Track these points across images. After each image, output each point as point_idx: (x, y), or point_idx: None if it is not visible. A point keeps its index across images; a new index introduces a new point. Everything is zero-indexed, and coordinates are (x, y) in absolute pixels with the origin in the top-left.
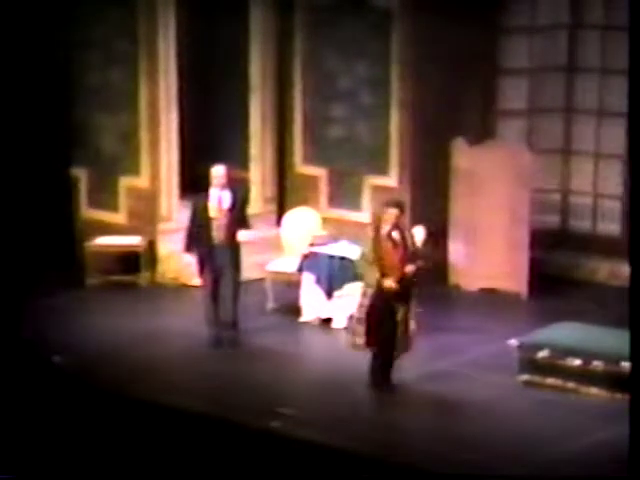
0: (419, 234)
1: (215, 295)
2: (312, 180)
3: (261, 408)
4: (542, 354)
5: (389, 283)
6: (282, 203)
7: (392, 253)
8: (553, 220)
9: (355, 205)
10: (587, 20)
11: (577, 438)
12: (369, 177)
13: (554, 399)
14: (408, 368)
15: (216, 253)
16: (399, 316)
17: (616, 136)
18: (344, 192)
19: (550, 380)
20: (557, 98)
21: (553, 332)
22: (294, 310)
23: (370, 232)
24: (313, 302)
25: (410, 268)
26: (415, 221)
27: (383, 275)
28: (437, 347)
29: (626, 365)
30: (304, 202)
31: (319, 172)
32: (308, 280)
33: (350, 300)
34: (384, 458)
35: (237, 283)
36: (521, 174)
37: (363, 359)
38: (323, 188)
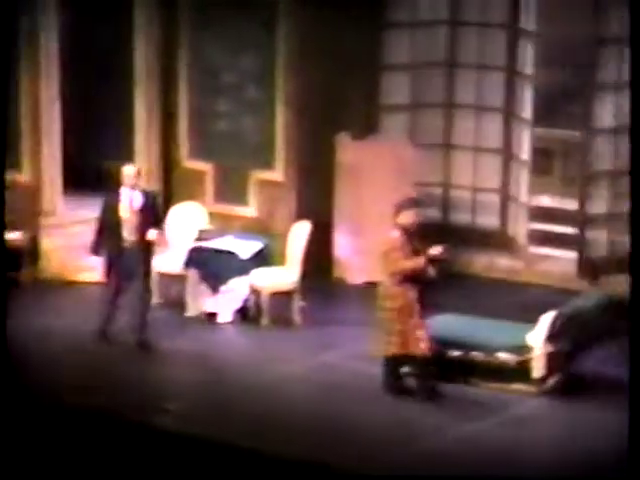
0: (304, 229)
1: (117, 297)
2: (198, 175)
3: (147, 404)
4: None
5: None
6: (168, 198)
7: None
8: (435, 214)
9: (241, 200)
10: (465, 17)
11: (453, 427)
12: (255, 172)
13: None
14: (292, 360)
15: (126, 254)
16: None
17: (494, 131)
18: (230, 187)
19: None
20: (438, 93)
21: (433, 324)
22: (179, 305)
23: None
24: (198, 297)
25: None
26: (301, 216)
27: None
28: (321, 339)
29: (503, 356)
30: (190, 197)
31: (205, 167)
32: (194, 275)
33: (235, 295)
34: (265, 450)
35: (148, 285)
36: (404, 168)
37: (245, 354)
38: (209, 183)
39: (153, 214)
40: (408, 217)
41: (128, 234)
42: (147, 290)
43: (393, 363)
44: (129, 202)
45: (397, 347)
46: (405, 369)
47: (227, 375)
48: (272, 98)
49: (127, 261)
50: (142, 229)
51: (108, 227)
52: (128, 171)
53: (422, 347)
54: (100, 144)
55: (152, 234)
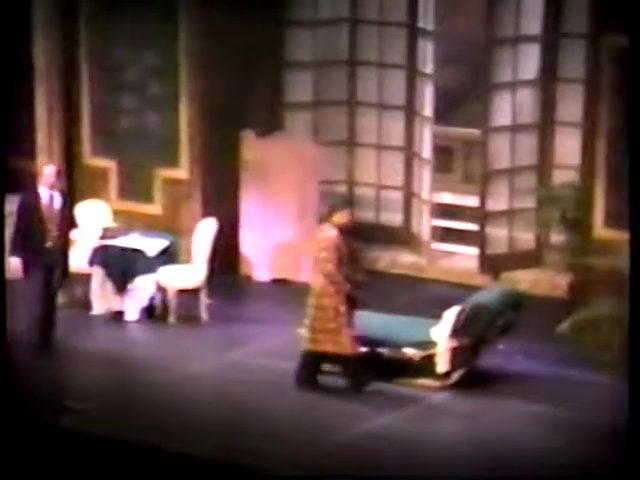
0: (211, 227)
1: (45, 296)
2: (101, 172)
3: (52, 403)
4: None
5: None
6: (71, 195)
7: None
8: None
9: (146, 197)
10: (365, 15)
11: (362, 422)
12: (160, 169)
13: (340, 385)
14: (200, 358)
15: (47, 253)
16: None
17: (396, 129)
18: (134, 184)
19: (337, 368)
20: (340, 91)
21: None
22: (85, 304)
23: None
24: (104, 295)
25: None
26: (206, 213)
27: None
28: (228, 337)
29: (408, 351)
30: (93, 194)
31: (108, 164)
32: (99, 273)
33: (142, 293)
34: (172, 449)
35: (61, 284)
36: (308, 166)
37: (152, 353)
38: (113, 180)
39: (69, 214)
40: (342, 217)
41: (50, 234)
42: (60, 286)
43: (316, 360)
44: (50, 202)
45: (325, 345)
46: (328, 367)
47: (134, 373)
48: (176, 95)
49: (48, 261)
50: (62, 229)
51: (29, 227)
52: (48, 171)
53: (350, 346)
54: (4, 142)
55: (75, 234)
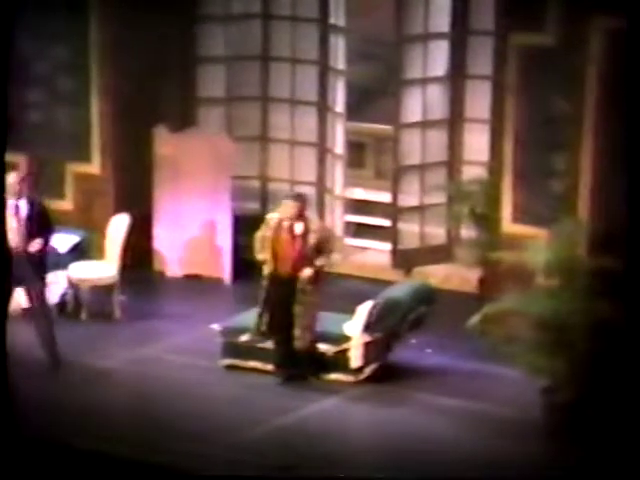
0: (123, 222)
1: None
2: (11, 167)
3: None
4: (243, 338)
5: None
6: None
7: (288, 246)
8: (254, 206)
9: (58, 193)
10: (277, 11)
11: (275, 417)
12: (71, 164)
13: (255, 381)
14: (113, 354)
15: (15, 264)
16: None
17: (308, 124)
18: (46, 179)
19: (251, 363)
20: (253, 87)
21: (254, 316)
22: None
23: (269, 225)
24: (15, 292)
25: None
26: (119, 208)
27: (275, 267)
28: (141, 333)
29: (322, 346)
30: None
31: (17, 159)
32: None
33: (53, 289)
34: (85, 447)
35: (43, 295)
36: (221, 161)
37: (64, 349)
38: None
39: (40, 222)
40: (287, 207)
41: (15, 244)
42: (43, 298)
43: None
44: (14, 211)
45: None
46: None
47: (44, 371)
48: (86, 89)
49: (16, 271)
50: (30, 238)
51: None
52: (11, 179)
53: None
54: None
55: (35, 245)
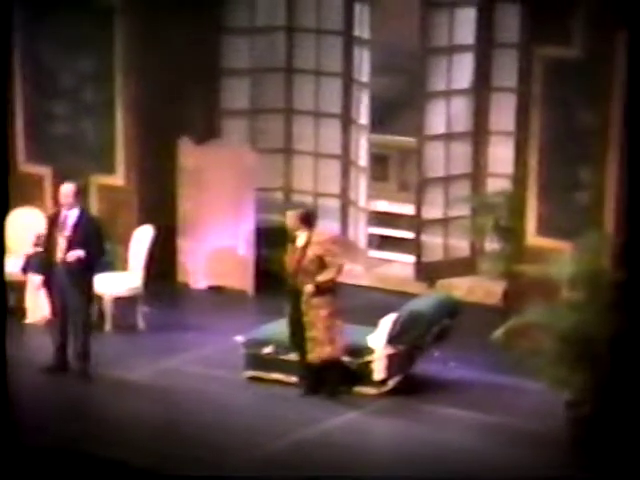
0: (147, 234)
1: (61, 321)
2: (36, 179)
3: None
4: (266, 350)
5: (309, 287)
6: (5, 202)
7: (291, 257)
8: (277, 218)
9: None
10: (302, 23)
11: (299, 429)
12: (96, 176)
13: (278, 393)
14: (137, 365)
15: (58, 275)
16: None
17: (333, 137)
18: None
19: (274, 375)
20: (277, 99)
21: (276, 328)
22: (20, 311)
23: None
24: (39, 303)
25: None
26: (143, 220)
27: (287, 279)
28: (164, 344)
29: (345, 358)
30: (28, 201)
31: (43, 171)
32: (33, 280)
33: None
34: (108, 457)
35: (84, 308)
36: (245, 173)
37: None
38: (48, 187)
39: (87, 234)
40: (288, 219)
41: (59, 254)
42: (83, 311)
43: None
44: (63, 220)
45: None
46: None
47: (69, 382)
48: (111, 101)
49: (58, 282)
50: (72, 249)
51: (43, 245)
52: (64, 190)
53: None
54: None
55: (72, 255)
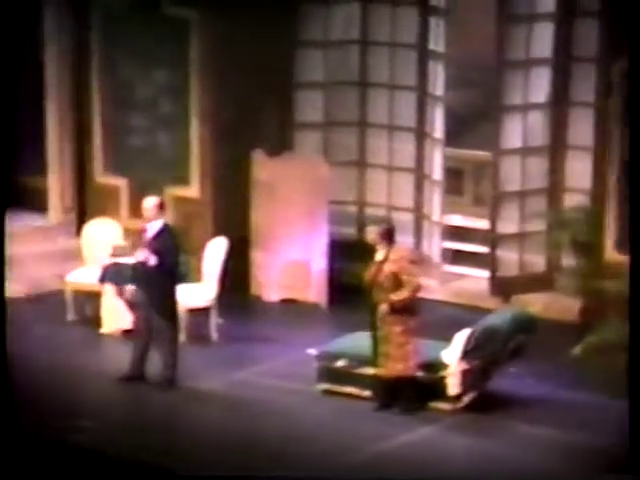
0: (221, 245)
1: (140, 331)
2: (112, 190)
3: (61, 421)
4: (339, 363)
5: (383, 307)
6: (82, 213)
7: (369, 272)
8: (350, 231)
9: None
10: (376, 37)
11: (372, 444)
12: (170, 187)
13: (351, 407)
14: (210, 377)
15: (139, 286)
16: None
17: (406, 150)
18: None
19: (347, 388)
20: (351, 112)
21: (350, 341)
22: (95, 321)
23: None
24: (115, 313)
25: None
26: (217, 232)
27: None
28: (237, 356)
29: (418, 373)
30: (104, 212)
31: (119, 182)
32: (109, 291)
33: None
34: (181, 469)
35: (164, 318)
36: (318, 186)
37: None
38: (123, 198)
39: (163, 244)
40: (368, 233)
41: (136, 264)
42: (166, 324)
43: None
44: (145, 231)
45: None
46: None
47: (144, 392)
48: (187, 113)
49: (141, 294)
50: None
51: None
52: (146, 203)
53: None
54: (12, 159)
55: (140, 255)
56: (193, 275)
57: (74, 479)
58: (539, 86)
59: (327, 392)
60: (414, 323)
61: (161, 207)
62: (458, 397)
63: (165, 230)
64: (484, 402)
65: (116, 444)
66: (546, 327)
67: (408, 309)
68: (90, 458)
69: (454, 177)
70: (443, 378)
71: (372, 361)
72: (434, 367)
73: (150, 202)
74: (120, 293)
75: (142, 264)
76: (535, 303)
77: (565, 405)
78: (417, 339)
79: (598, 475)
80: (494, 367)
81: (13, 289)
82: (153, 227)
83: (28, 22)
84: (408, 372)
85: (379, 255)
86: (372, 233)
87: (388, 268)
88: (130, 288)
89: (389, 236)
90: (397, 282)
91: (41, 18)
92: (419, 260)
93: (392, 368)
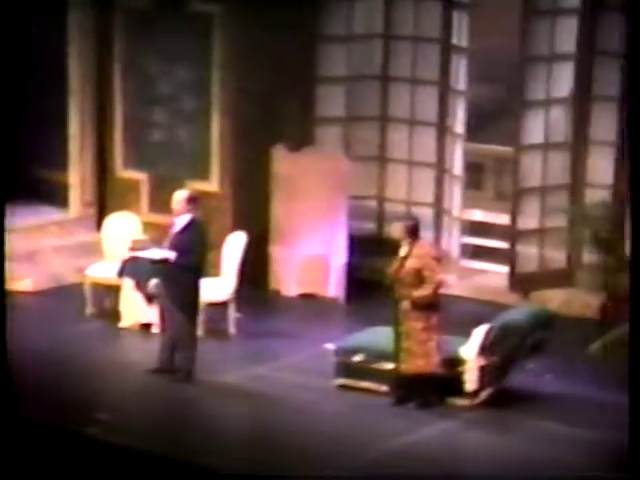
0: (240, 240)
1: (162, 324)
2: (133, 184)
3: (80, 414)
4: (357, 358)
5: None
6: (102, 207)
7: (392, 268)
8: (370, 226)
9: None
10: (399, 31)
11: (390, 439)
12: (190, 182)
13: (368, 402)
14: (228, 371)
15: (162, 281)
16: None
17: (427, 145)
18: (165, 197)
19: (364, 383)
20: (372, 107)
21: (367, 336)
22: (114, 315)
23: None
24: (133, 307)
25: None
26: (236, 226)
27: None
28: (255, 351)
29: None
30: (124, 206)
31: (140, 176)
32: (128, 285)
33: None
34: (200, 463)
35: (184, 314)
36: (339, 181)
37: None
38: (144, 192)
39: (188, 241)
40: (394, 229)
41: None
42: (186, 319)
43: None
44: (172, 226)
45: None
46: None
47: (161, 386)
48: (207, 109)
49: (164, 289)
50: (173, 251)
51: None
52: (176, 196)
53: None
54: (34, 152)
55: (157, 252)
56: (211, 269)
57: (90, 471)
58: (562, 81)
59: (344, 387)
60: (436, 320)
61: (190, 201)
62: (476, 393)
63: (192, 225)
64: (502, 398)
65: (133, 436)
66: (565, 323)
67: (430, 306)
68: (106, 451)
69: (475, 172)
70: (461, 374)
71: (392, 356)
72: (452, 362)
73: (180, 195)
74: (139, 287)
75: (164, 259)
76: (554, 299)
77: (583, 402)
78: (439, 336)
79: (615, 472)
80: (512, 363)
81: (33, 282)
82: (180, 221)
83: (53, 18)
84: (429, 368)
85: (402, 251)
86: (397, 228)
87: (411, 264)
88: (152, 282)
89: (414, 232)
90: (419, 278)
91: (66, 15)
92: (442, 257)
93: (414, 364)
